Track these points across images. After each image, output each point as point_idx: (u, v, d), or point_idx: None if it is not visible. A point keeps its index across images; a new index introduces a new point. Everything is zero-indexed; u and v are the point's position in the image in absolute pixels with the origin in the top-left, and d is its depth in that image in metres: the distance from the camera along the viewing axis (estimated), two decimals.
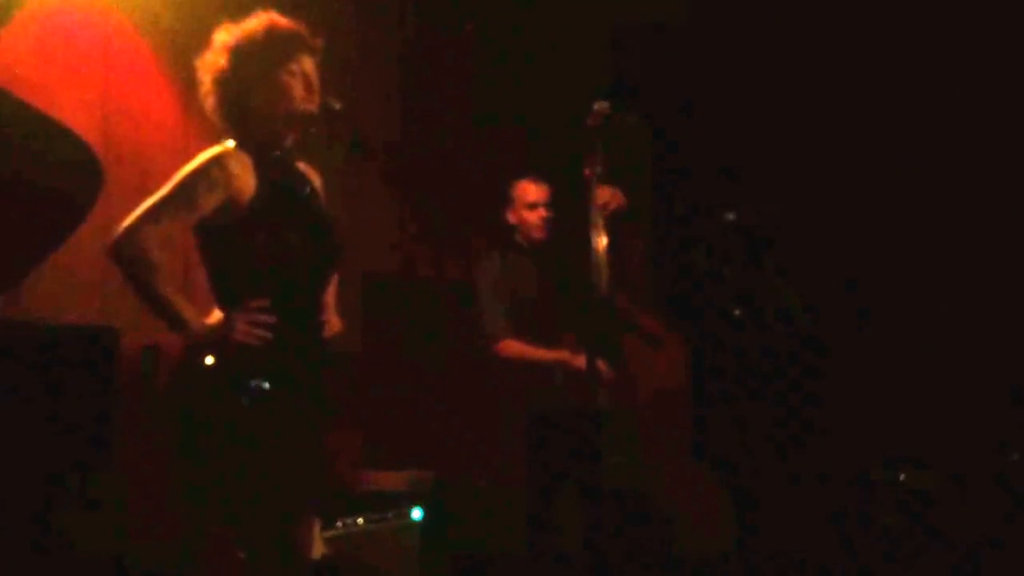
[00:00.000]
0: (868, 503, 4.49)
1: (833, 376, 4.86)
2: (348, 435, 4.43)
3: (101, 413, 3.57)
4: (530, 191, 4.41)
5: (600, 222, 4.11)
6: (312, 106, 2.96)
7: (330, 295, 3.12)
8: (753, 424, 4.84)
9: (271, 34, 2.94)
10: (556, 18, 5.38)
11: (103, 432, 3.58)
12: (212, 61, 2.94)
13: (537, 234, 4.39)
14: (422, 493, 4.35)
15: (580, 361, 4.11)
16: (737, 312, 4.80)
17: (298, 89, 2.94)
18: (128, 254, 2.77)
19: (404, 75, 5.29)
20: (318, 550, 3.25)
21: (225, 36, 2.95)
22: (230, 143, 2.92)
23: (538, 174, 4.46)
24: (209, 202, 2.82)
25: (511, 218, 4.45)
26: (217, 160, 2.86)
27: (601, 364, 3.92)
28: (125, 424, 3.71)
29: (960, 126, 4.79)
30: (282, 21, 2.97)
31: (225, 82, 2.92)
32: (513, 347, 4.27)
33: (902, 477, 4.52)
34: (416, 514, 4.28)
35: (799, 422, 4.82)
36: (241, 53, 2.92)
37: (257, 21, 2.96)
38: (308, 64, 2.96)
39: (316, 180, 3.12)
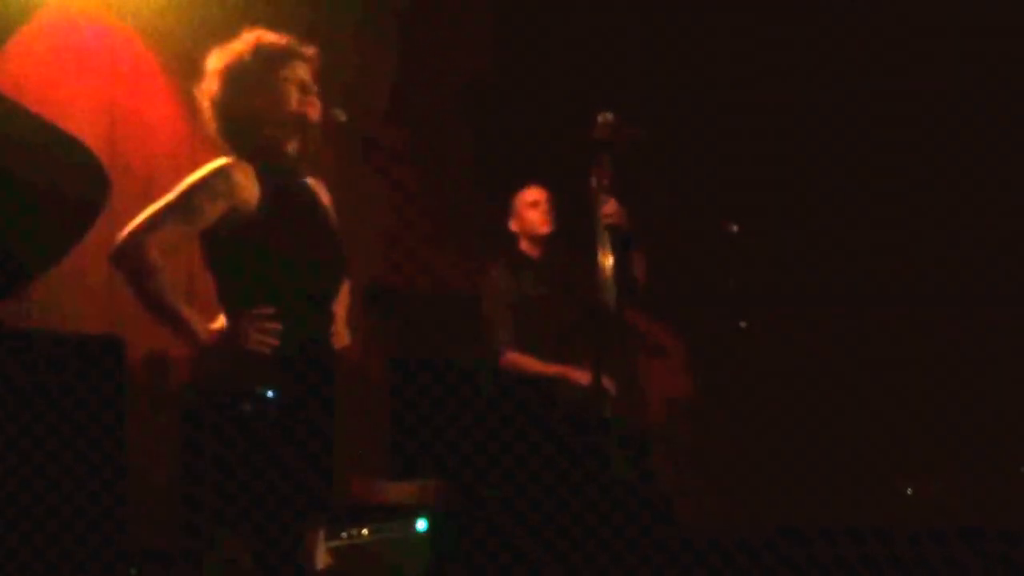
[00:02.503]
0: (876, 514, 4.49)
1: (839, 384, 4.86)
2: (354, 445, 4.42)
3: (108, 423, 3.57)
4: (530, 192, 4.45)
5: (605, 235, 4.12)
6: (312, 110, 2.96)
7: (340, 308, 3.12)
8: (756, 431, 4.84)
9: (260, 49, 2.94)
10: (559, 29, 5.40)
11: (110, 441, 3.58)
12: (207, 87, 2.95)
13: (541, 229, 4.40)
14: (428, 504, 4.35)
15: (580, 375, 4.12)
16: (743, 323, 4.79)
17: (293, 93, 2.94)
18: (129, 259, 2.78)
19: (405, 89, 5.29)
20: (323, 561, 3.24)
21: (215, 61, 2.95)
22: (234, 156, 2.93)
23: (539, 181, 4.48)
24: (211, 211, 2.83)
25: (513, 226, 4.46)
26: (221, 170, 2.87)
27: (606, 380, 3.93)
28: (133, 433, 3.71)
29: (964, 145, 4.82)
30: (269, 36, 2.97)
31: (221, 103, 2.93)
32: (515, 360, 4.28)
33: (909, 491, 4.51)
34: (421, 525, 4.27)
35: (804, 430, 4.82)
36: (232, 72, 2.93)
37: (243, 41, 2.96)
38: (302, 70, 2.96)
39: (324, 195, 3.13)
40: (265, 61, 2.93)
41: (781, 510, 4.58)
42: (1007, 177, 4.82)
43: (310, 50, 3.00)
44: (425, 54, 5.35)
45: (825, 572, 4.33)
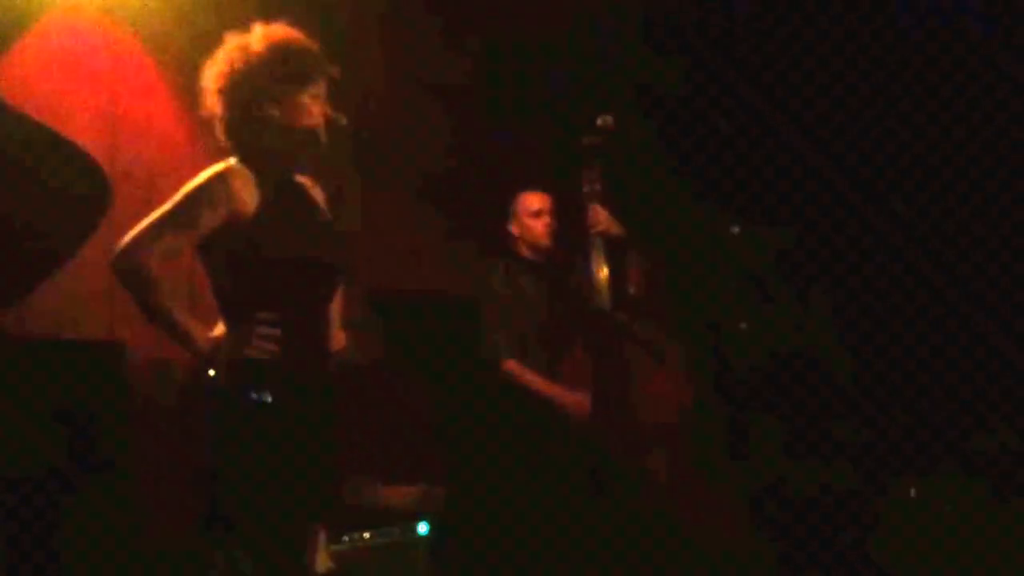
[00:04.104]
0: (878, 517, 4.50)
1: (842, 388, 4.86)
2: (355, 449, 4.44)
3: (109, 428, 3.59)
4: (533, 200, 4.42)
5: (596, 242, 4.13)
6: (324, 129, 2.95)
7: (336, 309, 3.12)
8: (757, 436, 4.84)
9: (277, 56, 2.87)
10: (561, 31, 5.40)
11: (111, 447, 3.59)
12: (221, 72, 2.88)
13: (542, 241, 4.39)
14: (429, 508, 4.36)
15: (573, 400, 4.13)
16: (743, 326, 4.80)
17: (307, 110, 2.89)
18: (129, 269, 2.78)
19: (404, 89, 5.29)
20: (324, 565, 3.26)
21: (236, 51, 2.87)
22: (233, 159, 2.93)
23: (540, 185, 4.48)
24: (211, 219, 2.82)
25: (513, 229, 4.45)
26: (220, 177, 2.85)
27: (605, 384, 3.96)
28: (134, 439, 3.72)
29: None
30: (298, 40, 2.90)
31: (236, 99, 2.87)
32: (513, 369, 4.28)
33: (912, 492, 4.52)
34: (422, 529, 4.28)
35: (805, 434, 4.82)
36: (253, 69, 2.86)
37: (259, 41, 2.88)
38: (320, 87, 2.91)
39: (318, 194, 3.12)
40: (285, 74, 2.87)
41: (781, 509, 4.59)
42: (1008, 176, 4.82)
43: (335, 70, 2.94)
44: (422, 53, 5.36)
45: (825, 571, 4.35)
